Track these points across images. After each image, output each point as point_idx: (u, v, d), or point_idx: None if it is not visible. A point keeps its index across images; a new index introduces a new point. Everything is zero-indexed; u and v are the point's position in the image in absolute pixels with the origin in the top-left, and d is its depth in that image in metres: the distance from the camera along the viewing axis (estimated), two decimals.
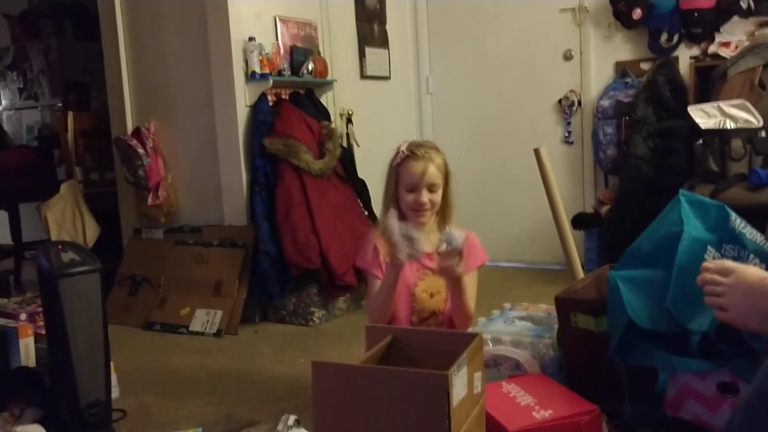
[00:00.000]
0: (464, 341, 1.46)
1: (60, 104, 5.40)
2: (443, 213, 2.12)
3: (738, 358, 1.58)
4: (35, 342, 2.32)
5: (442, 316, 2.10)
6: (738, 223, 1.74)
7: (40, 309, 2.30)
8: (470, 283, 2.09)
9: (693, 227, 1.72)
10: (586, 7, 4.13)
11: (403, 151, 2.08)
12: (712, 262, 1.39)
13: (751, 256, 1.70)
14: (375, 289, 2.10)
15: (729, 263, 1.35)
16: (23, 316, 2.51)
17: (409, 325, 2.06)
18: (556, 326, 2.04)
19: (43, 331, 2.16)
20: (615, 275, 1.76)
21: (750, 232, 1.73)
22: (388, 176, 2.12)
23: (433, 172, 2.04)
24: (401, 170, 2.07)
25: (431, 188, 2.05)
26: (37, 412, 2.10)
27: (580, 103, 4.21)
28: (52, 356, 2.04)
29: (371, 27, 4.31)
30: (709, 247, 1.70)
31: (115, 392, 2.38)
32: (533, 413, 1.63)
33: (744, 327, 1.34)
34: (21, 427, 2.01)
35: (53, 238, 3.82)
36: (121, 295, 3.65)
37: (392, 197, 2.10)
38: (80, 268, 2.02)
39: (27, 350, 2.30)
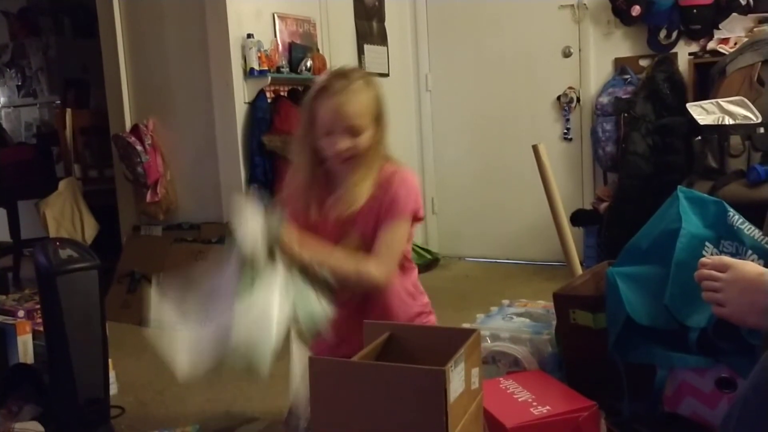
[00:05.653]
0: (462, 337, 1.46)
1: (59, 101, 5.39)
2: (365, 162, 1.66)
3: (736, 355, 1.57)
4: (33, 339, 2.32)
5: None
6: (736, 219, 1.73)
7: (39, 306, 2.30)
8: (387, 234, 1.68)
9: (691, 224, 1.72)
10: (585, 4, 4.12)
11: (320, 83, 1.66)
12: (710, 257, 1.39)
13: (749, 252, 1.70)
14: None
15: (726, 259, 1.34)
16: (21, 313, 2.50)
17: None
18: (554, 323, 2.04)
19: (42, 328, 2.16)
20: (613, 272, 1.76)
21: (748, 228, 1.73)
22: (301, 113, 1.72)
23: (353, 111, 1.61)
24: (315, 107, 1.65)
25: (353, 131, 1.63)
26: (35, 410, 2.10)
27: (579, 99, 4.21)
28: (51, 353, 2.04)
29: (370, 24, 4.30)
30: (707, 244, 1.70)
31: (113, 389, 2.38)
32: (531, 409, 1.63)
33: (741, 323, 1.34)
34: (19, 424, 2.01)
35: (52, 235, 3.81)
36: (120, 292, 3.65)
37: (304, 140, 1.70)
38: (78, 265, 2.02)
39: (25, 347, 2.30)
